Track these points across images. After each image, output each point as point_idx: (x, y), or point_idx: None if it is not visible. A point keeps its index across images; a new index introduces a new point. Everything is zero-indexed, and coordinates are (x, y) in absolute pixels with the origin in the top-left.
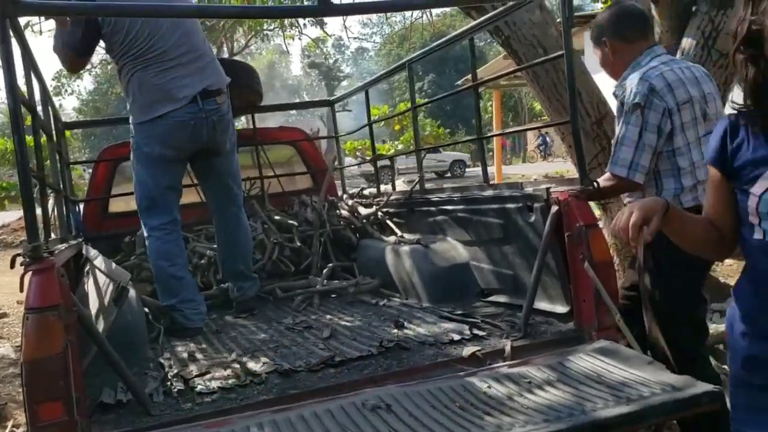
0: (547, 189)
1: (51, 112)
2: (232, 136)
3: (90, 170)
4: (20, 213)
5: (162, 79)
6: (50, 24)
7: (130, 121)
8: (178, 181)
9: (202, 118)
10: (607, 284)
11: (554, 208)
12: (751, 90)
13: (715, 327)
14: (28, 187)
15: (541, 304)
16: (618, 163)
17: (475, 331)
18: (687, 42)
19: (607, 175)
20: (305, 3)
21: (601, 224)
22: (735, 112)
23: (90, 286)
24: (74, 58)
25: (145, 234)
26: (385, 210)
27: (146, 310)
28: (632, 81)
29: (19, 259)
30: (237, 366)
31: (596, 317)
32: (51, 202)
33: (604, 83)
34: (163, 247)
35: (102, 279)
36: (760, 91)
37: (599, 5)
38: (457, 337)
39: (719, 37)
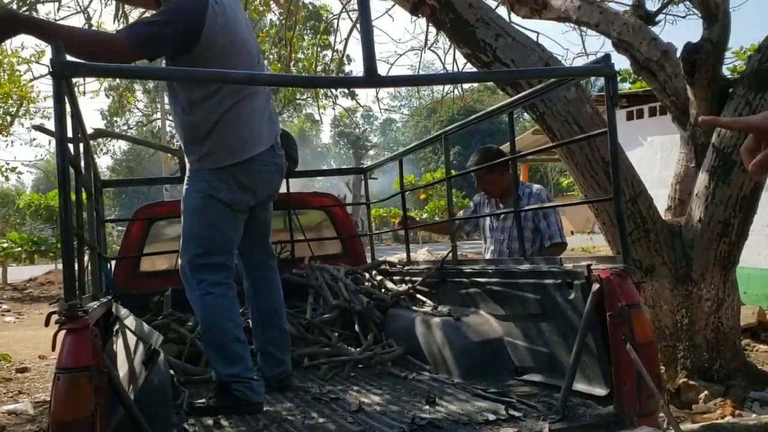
0: (588, 266)
1: (92, 170)
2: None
3: (119, 228)
4: (48, 267)
5: (253, 119)
6: (93, 86)
7: (197, 166)
8: (242, 230)
9: (276, 164)
10: (650, 367)
11: (595, 286)
12: None
13: (757, 417)
14: (70, 246)
15: (579, 386)
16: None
17: (511, 411)
18: None
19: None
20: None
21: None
22: None
23: (119, 346)
24: (131, 49)
25: (199, 291)
26: (414, 280)
27: (172, 372)
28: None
29: (54, 317)
30: None
31: (638, 401)
32: (86, 259)
33: (636, 161)
34: (226, 304)
35: (132, 339)
36: None
37: (627, 85)
38: (492, 416)
39: None
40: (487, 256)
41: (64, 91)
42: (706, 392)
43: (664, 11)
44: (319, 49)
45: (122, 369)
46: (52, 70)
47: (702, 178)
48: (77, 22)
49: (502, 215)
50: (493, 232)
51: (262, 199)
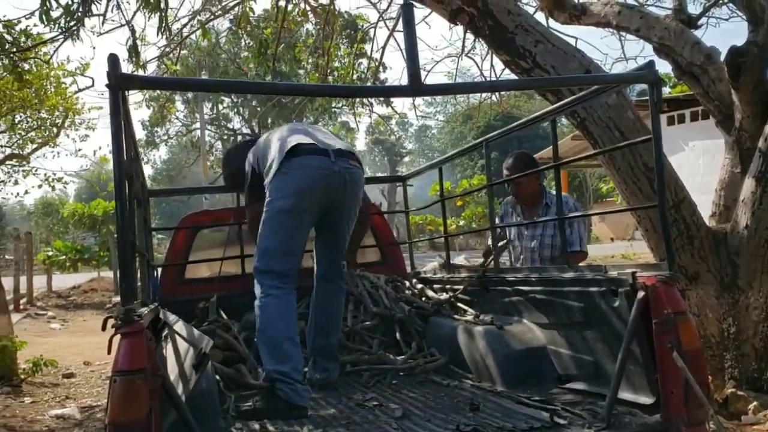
0: (633, 273)
1: (141, 180)
2: (356, 208)
3: (159, 236)
4: (91, 275)
5: (295, 133)
6: (137, 97)
7: (266, 184)
8: (302, 242)
9: (335, 172)
10: (698, 375)
11: (641, 294)
12: None
13: None
14: (127, 252)
15: (625, 394)
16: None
17: (556, 419)
18: None
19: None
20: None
21: None
22: None
23: (169, 351)
24: (255, 204)
25: (259, 294)
26: (456, 288)
27: (218, 378)
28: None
29: (110, 321)
30: None
31: (686, 410)
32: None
33: (678, 167)
34: (282, 306)
35: (182, 344)
36: None
37: (668, 89)
38: (536, 424)
39: None
40: (518, 264)
41: (120, 104)
42: (755, 403)
43: (706, 14)
44: (354, 58)
45: (172, 373)
46: (108, 83)
47: (748, 184)
48: (121, 35)
49: (532, 222)
50: (523, 240)
51: (321, 205)
